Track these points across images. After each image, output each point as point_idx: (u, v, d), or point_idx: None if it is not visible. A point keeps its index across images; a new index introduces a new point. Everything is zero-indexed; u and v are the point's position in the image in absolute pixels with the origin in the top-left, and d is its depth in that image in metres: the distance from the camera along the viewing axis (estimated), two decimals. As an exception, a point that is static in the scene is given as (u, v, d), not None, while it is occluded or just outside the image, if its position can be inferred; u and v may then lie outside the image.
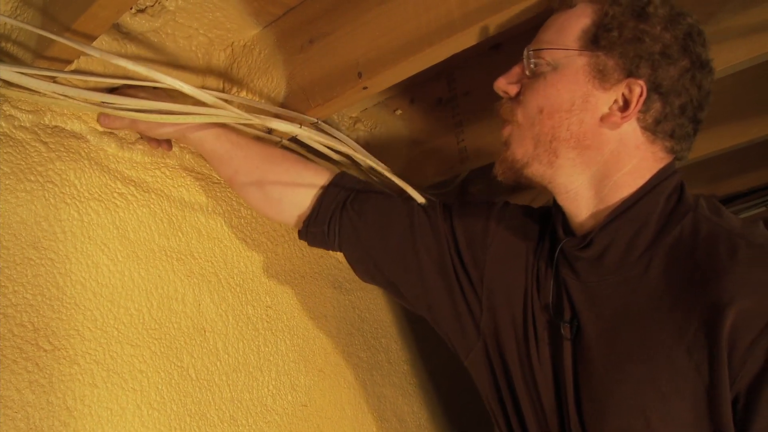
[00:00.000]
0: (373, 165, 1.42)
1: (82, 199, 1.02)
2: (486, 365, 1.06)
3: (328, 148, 1.33)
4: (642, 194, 0.88)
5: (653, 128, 0.88)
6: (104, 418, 0.97)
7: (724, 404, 0.76)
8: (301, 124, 1.22)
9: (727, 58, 1.19)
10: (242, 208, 1.27)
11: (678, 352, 0.80)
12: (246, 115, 1.08)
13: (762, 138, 1.65)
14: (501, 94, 0.98)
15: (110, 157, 1.08)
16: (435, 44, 1.02)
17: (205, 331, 1.14)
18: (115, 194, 1.07)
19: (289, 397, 1.25)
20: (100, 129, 1.06)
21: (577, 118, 0.88)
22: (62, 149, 1.02)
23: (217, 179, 1.24)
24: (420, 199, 1.18)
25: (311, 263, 1.39)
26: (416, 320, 1.67)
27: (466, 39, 1.00)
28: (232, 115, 1.07)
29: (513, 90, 0.95)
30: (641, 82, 0.85)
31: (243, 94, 1.25)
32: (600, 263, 0.91)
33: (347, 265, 1.43)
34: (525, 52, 0.92)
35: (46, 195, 0.98)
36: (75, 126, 1.04)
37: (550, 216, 1.04)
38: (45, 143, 1.00)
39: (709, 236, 0.84)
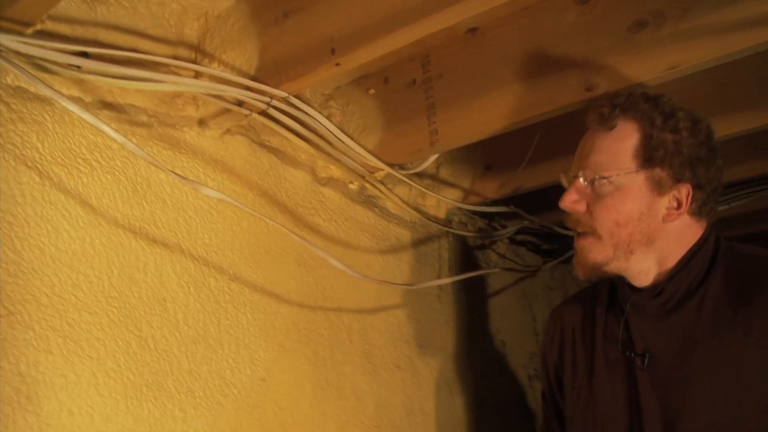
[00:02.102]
0: (344, 141, 1.42)
1: (45, 163, 1.01)
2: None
3: (299, 123, 1.32)
4: (695, 251, 1.12)
5: (698, 212, 1.13)
6: (58, 385, 0.96)
7: None
8: (271, 98, 1.21)
9: (700, 54, 1.21)
10: (209, 179, 1.25)
11: (747, 348, 1.03)
12: (217, 86, 1.06)
13: (729, 136, 1.68)
14: (569, 211, 1.15)
15: (75, 121, 1.06)
16: (410, 24, 1.01)
17: (165, 302, 1.13)
18: (79, 159, 1.05)
19: (248, 371, 1.25)
20: (66, 93, 1.04)
21: (646, 223, 1.10)
22: (25, 111, 1.00)
23: (185, 149, 1.22)
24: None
25: (277, 239, 1.39)
26: (378, 300, 1.68)
27: (442, 20, 1.00)
28: (203, 85, 1.05)
29: (582, 207, 1.13)
30: (687, 184, 1.09)
31: (215, 66, 1.23)
32: (666, 305, 1.13)
33: (312, 243, 1.44)
34: (583, 176, 1.12)
35: (6, 156, 0.96)
36: (39, 89, 1.02)
37: (601, 289, 1.30)
38: (6, 103, 0.98)
39: (752, 266, 1.10)
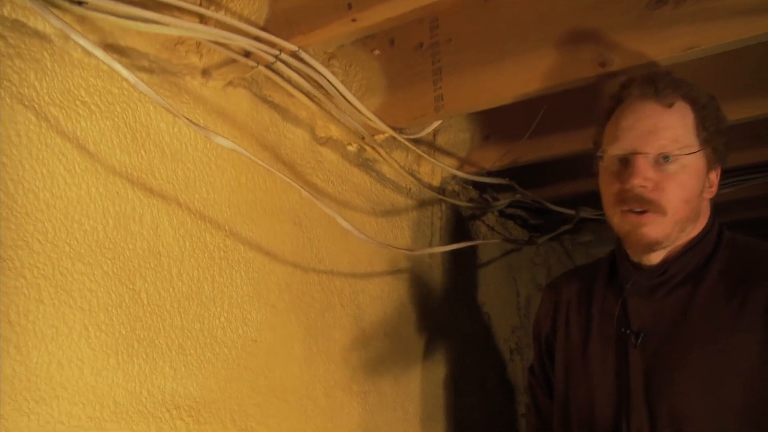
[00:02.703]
0: (350, 100, 1.38)
1: (42, 104, 0.95)
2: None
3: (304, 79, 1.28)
4: (704, 234, 1.15)
5: (717, 192, 1.17)
6: (48, 335, 0.92)
7: None
8: (281, 50, 1.16)
9: (719, 35, 1.19)
10: (209, 132, 1.21)
11: (735, 333, 1.05)
12: (226, 33, 1.02)
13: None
14: (637, 188, 1.10)
15: (75, 62, 1.00)
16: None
17: (160, 255, 1.09)
18: (78, 102, 1.00)
19: (240, 331, 1.23)
20: (67, 30, 0.98)
21: (699, 201, 1.12)
22: (23, 47, 0.94)
23: (187, 99, 1.18)
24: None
25: (274, 197, 1.35)
26: (371, 265, 1.65)
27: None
28: (212, 32, 1.01)
29: (651, 183, 1.09)
30: (719, 165, 1.14)
31: (222, 13, 1.18)
32: (667, 285, 1.15)
33: (309, 202, 1.41)
34: (654, 152, 1.08)
35: (2, 93, 0.91)
36: (39, 24, 0.96)
37: (599, 264, 1.33)
38: (3, 37, 0.92)
39: (749, 255, 1.13)
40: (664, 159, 1.08)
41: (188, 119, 1.05)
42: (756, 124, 1.92)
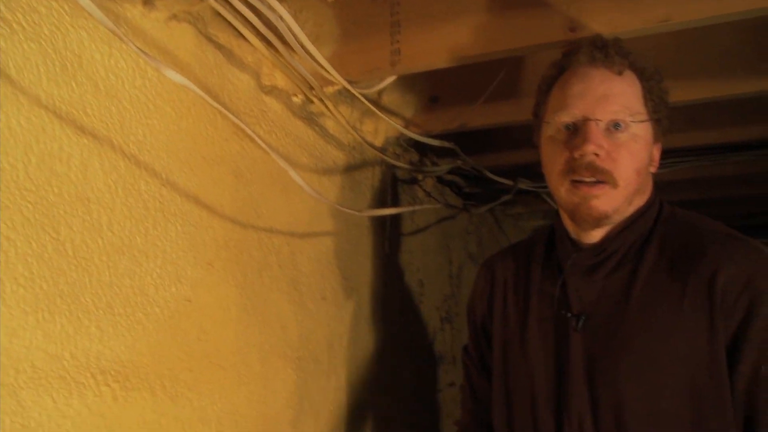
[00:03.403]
0: (304, 44, 1.28)
1: (-45, 15, 0.81)
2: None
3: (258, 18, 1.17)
4: (644, 211, 1.11)
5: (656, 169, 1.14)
6: (-44, 287, 0.80)
7: (720, 349, 0.98)
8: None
9: (695, 9, 1.16)
10: (149, 69, 1.08)
11: (680, 314, 1.02)
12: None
13: (680, 103, 1.67)
14: (588, 156, 1.04)
15: (-3, -30, 0.86)
16: None
17: (89, 202, 0.97)
18: (-1, 18, 0.86)
19: (173, 289, 1.12)
20: (-12, -69, 0.84)
21: (646, 173, 1.09)
22: (-66, -55, 0.79)
23: (125, 29, 1.04)
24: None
25: (215, 146, 1.24)
26: (310, 225, 1.56)
27: None
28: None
29: (603, 152, 1.04)
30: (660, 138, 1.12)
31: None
32: (606, 266, 1.11)
33: (252, 154, 1.30)
34: (608, 119, 1.04)
35: None
36: None
37: (536, 242, 1.27)
38: None
39: (689, 232, 1.09)
40: (615, 127, 1.04)
41: (140, 48, 0.93)
42: (695, 108, 1.94)
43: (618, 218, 1.09)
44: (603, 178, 1.04)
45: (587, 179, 1.04)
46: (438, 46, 1.36)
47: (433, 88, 1.92)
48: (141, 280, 1.06)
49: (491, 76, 1.69)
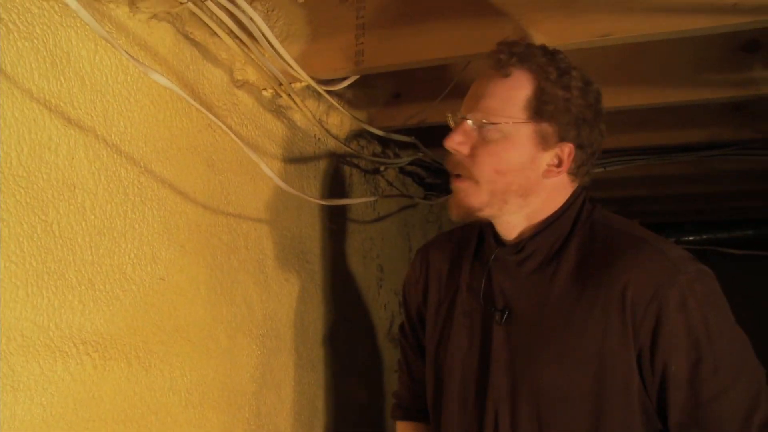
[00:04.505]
0: (273, 44, 1.37)
1: (-41, 16, 0.89)
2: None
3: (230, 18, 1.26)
4: (560, 214, 1.14)
5: (575, 172, 1.13)
6: (-44, 262, 0.89)
7: (630, 351, 1.04)
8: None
9: (634, 27, 1.27)
10: (130, 66, 1.17)
11: (594, 317, 1.06)
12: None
13: (624, 108, 1.81)
14: (452, 151, 1.11)
15: (-5, -25, 0.94)
16: None
17: (74, 187, 1.06)
18: (-3, 19, 0.94)
19: (149, 269, 1.22)
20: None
21: (525, 176, 1.09)
22: (-60, -48, 0.88)
23: (110, 28, 1.13)
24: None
25: (190, 136, 1.33)
26: (276, 212, 1.67)
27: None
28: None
29: (466, 149, 1.10)
30: (571, 144, 1.09)
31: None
32: (526, 265, 1.14)
33: (224, 146, 1.40)
34: (473, 119, 1.09)
35: None
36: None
37: (470, 234, 1.30)
38: None
39: (605, 236, 1.11)
40: (479, 127, 1.08)
41: (128, 54, 1.02)
42: (645, 112, 2.08)
43: (493, 213, 1.13)
44: (462, 173, 1.11)
45: (453, 173, 1.13)
46: (398, 49, 1.46)
47: (396, 86, 2.03)
48: (120, 260, 1.15)
49: (451, 75, 1.81)
